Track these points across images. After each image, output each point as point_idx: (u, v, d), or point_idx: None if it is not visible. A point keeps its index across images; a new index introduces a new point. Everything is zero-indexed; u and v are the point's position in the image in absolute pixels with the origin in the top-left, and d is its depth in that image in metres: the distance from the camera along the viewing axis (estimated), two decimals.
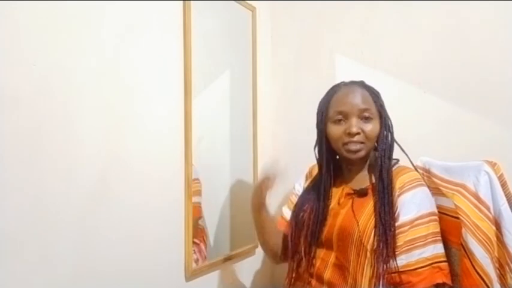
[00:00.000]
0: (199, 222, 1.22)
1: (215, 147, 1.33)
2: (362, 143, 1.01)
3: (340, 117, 1.02)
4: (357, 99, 1.01)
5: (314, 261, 1.03)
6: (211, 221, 1.28)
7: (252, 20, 1.45)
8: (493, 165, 0.91)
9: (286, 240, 1.11)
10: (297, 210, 1.10)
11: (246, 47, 1.44)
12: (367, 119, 1.01)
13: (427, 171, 1.06)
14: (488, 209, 0.89)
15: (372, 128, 1.01)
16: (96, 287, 0.90)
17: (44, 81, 0.80)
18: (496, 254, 0.90)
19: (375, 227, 0.95)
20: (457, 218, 0.92)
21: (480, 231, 0.89)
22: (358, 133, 1.00)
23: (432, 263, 0.92)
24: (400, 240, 0.93)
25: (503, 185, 0.91)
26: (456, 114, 1.23)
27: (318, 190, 1.07)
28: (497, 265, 0.90)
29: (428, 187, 1.01)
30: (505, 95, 1.16)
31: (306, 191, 1.14)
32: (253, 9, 1.45)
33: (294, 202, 1.16)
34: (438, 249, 0.94)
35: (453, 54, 1.24)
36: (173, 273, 1.12)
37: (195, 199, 1.18)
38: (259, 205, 1.12)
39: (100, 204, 0.92)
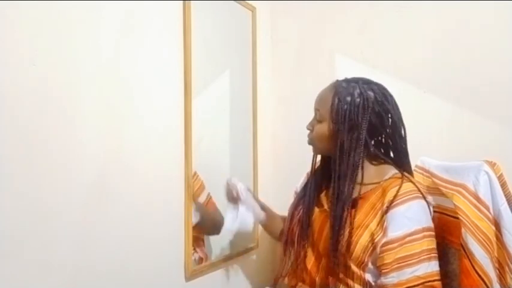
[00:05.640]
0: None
1: (215, 147, 1.33)
2: (312, 140, 1.04)
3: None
4: (317, 99, 1.04)
5: (306, 260, 1.03)
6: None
7: (252, 20, 1.45)
8: (492, 165, 0.91)
9: None
10: (292, 209, 1.11)
11: (246, 47, 1.44)
12: (318, 120, 1.02)
13: (427, 171, 1.06)
14: (487, 209, 0.90)
15: (317, 129, 1.01)
16: (96, 287, 0.90)
17: (44, 81, 0.80)
18: (496, 254, 0.90)
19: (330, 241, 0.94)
20: (457, 218, 0.92)
21: (480, 231, 0.89)
22: (309, 130, 1.04)
23: (425, 282, 0.86)
24: (390, 257, 0.88)
25: (503, 185, 0.91)
26: (456, 114, 1.23)
27: (307, 192, 1.08)
28: (496, 265, 0.90)
29: (425, 198, 0.94)
30: (505, 95, 1.16)
31: (302, 189, 1.13)
32: (253, 9, 1.45)
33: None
34: (432, 266, 0.88)
35: (453, 54, 1.24)
36: (173, 273, 1.12)
37: (203, 195, 1.22)
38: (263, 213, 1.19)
39: (100, 204, 0.92)
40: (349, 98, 0.96)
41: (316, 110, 1.02)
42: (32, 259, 0.78)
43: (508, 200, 0.90)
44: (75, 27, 0.86)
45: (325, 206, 1.04)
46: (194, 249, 1.17)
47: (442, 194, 0.99)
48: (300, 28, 1.56)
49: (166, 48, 1.10)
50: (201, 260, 1.20)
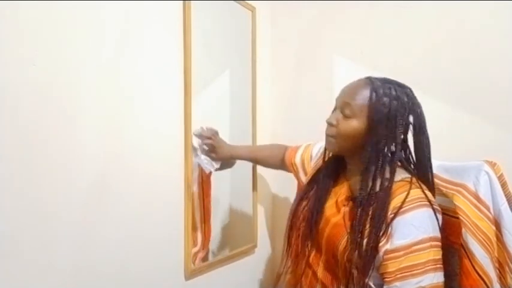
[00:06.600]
0: None
1: None
2: (334, 137, 0.97)
3: (334, 107, 1.00)
4: (347, 92, 0.97)
5: (309, 257, 1.02)
6: (213, 220, 1.28)
7: (252, 20, 1.45)
8: (493, 165, 0.91)
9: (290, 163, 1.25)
10: (295, 205, 1.08)
11: (246, 47, 1.44)
12: (346, 115, 0.94)
13: None
14: (488, 209, 0.90)
15: (346, 125, 0.94)
16: (96, 287, 0.90)
17: (44, 81, 0.80)
18: (496, 254, 0.90)
19: (350, 245, 0.89)
20: (457, 217, 0.92)
21: (480, 231, 0.89)
22: (331, 124, 0.97)
23: None
24: (394, 266, 0.86)
25: (503, 185, 0.91)
26: (456, 115, 1.23)
27: (318, 188, 1.04)
28: (496, 265, 0.90)
29: (433, 206, 0.91)
30: (505, 95, 1.16)
31: (310, 182, 1.09)
32: (253, 9, 1.45)
33: (310, 160, 1.19)
34: (438, 277, 0.87)
35: (453, 54, 1.24)
36: (173, 272, 1.12)
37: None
38: (228, 157, 1.27)
39: (99, 204, 0.92)
40: (386, 98, 0.93)
41: (346, 104, 0.95)
42: (32, 259, 0.78)
43: (508, 200, 0.90)
44: (75, 27, 0.86)
45: (330, 202, 1.02)
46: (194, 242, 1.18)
47: (443, 194, 0.99)
48: (300, 28, 1.56)
49: (166, 48, 1.10)
50: (195, 256, 1.19)
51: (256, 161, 1.37)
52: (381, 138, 0.92)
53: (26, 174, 0.77)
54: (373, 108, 0.92)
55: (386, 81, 0.97)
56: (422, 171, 0.98)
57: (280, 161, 1.29)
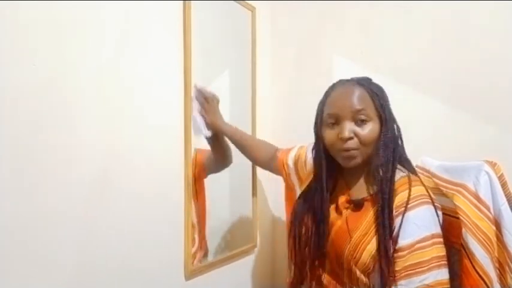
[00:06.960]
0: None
1: None
2: (357, 149, 0.92)
3: (332, 120, 0.94)
4: (351, 99, 0.92)
5: (313, 263, 1.01)
6: (210, 221, 1.28)
7: (251, 20, 1.45)
8: (493, 165, 0.91)
9: (277, 161, 1.22)
10: (298, 209, 1.05)
11: (246, 47, 1.44)
12: (362, 122, 0.91)
13: (427, 171, 1.06)
14: (488, 209, 0.90)
15: (368, 131, 0.91)
16: (96, 286, 0.90)
17: (44, 81, 0.80)
18: (496, 254, 0.90)
19: (377, 249, 0.88)
20: (457, 217, 0.92)
21: (480, 231, 0.89)
22: (351, 138, 0.91)
23: None
24: (399, 265, 0.87)
25: (503, 185, 0.91)
26: (456, 115, 1.23)
27: (316, 202, 1.00)
28: (497, 265, 0.90)
29: (433, 203, 0.92)
30: (505, 95, 1.16)
31: (304, 197, 1.06)
32: (253, 9, 1.45)
33: (305, 165, 1.16)
34: (442, 274, 0.87)
35: (453, 54, 1.24)
36: (173, 272, 1.12)
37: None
38: (215, 126, 1.21)
39: (100, 203, 0.92)
40: (380, 94, 0.95)
41: (356, 110, 0.91)
42: (32, 256, 0.78)
43: (508, 200, 0.90)
44: (75, 27, 0.86)
45: (331, 207, 1.00)
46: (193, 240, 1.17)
47: (443, 194, 0.99)
48: (300, 28, 1.56)
49: (166, 48, 1.10)
50: (194, 256, 1.18)
51: (243, 149, 1.27)
52: (392, 134, 0.94)
53: (26, 175, 0.77)
54: (380, 106, 0.93)
55: (365, 79, 0.98)
56: (403, 162, 0.98)
57: (269, 159, 1.25)
